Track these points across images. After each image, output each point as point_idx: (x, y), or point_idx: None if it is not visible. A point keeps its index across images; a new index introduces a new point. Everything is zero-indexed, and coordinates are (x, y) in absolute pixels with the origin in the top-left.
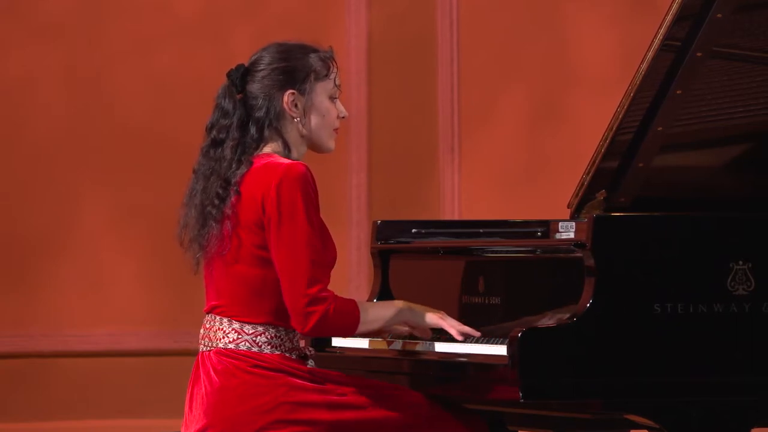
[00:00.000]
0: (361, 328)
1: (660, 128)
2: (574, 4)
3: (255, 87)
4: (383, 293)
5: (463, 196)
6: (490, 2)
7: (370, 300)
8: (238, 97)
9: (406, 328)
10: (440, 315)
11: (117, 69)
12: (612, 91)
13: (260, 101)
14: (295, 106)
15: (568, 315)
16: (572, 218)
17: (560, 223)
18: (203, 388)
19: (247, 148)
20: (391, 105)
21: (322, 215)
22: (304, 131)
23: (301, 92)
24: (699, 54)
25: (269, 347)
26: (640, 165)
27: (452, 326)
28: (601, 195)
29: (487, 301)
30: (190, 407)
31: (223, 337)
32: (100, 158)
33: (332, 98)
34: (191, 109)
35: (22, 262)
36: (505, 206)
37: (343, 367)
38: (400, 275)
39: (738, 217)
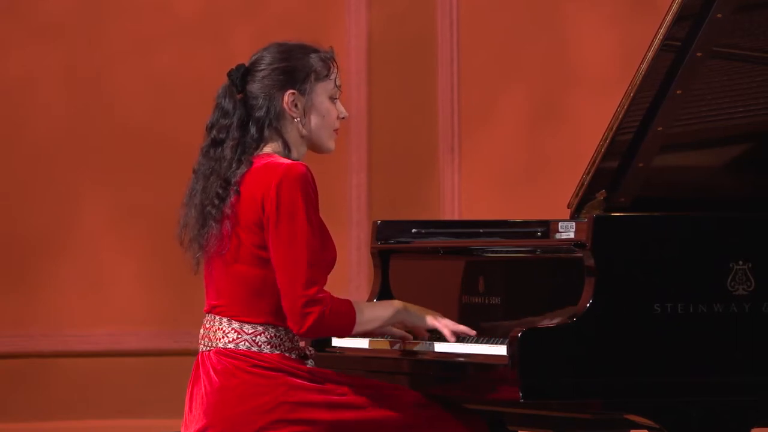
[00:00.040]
0: (357, 328)
1: (660, 128)
2: (574, 4)
3: (255, 87)
4: (383, 293)
5: (463, 196)
6: (490, 2)
7: (370, 300)
8: (239, 96)
9: (401, 331)
10: (435, 316)
11: (117, 69)
12: (612, 91)
13: (260, 101)
14: (296, 106)
15: (568, 315)
16: (572, 218)
17: (560, 223)
18: (203, 388)
19: (247, 148)
20: (391, 105)
21: (322, 215)
22: (304, 131)
23: (302, 92)
24: (699, 54)
25: (269, 347)
26: (640, 165)
27: (446, 326)
28: (601, 195)
29: (487, 301)
30: (190, 407)
31: (223, 337)
32: (100, 158)
33: (332, 99)
34: (191, 109)
35: (22, 262)
36: (505, 206)
37: (343, 367)
38: (400, 275)
39: (738, 217)
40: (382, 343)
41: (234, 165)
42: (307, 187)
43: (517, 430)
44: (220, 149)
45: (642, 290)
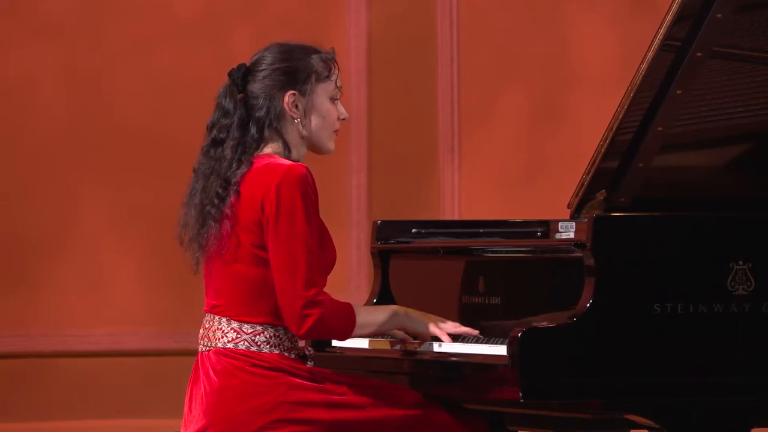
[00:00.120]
0: (357, 332)
1: (660, 128)
2: (574, 4)
3: (256, 87)
4: (383, 293)
5: (463, 196)
6: (490, 2)
7: (369, 300)
8: (239, 96)
9: (402, 333)
10: (436, 321)
11: (117, 69)
12: (612, 91)
13: (261, 101)
14: (296, 106)
15: (568, 315)
16: (572, 218)
17: (560, 223)
18: (203, 388)
19: (247, 148)
20: (391, 105)
21: (322, 215)
22: (305, 132)
23: (302, 93)
24: (699, 54)
25: (268, 347)
26: (640, 165)
27: (444, 332)
28: (601, 195)
29: (487, 301)
30: (190, 407)
31: (222, 337)
32: (100, 158)
33: (333, 100)
34: (191, 109)
35: (22, 262)
36: (505, 206)
37: (343, 367)
38: (400, 275)
39: (738, 217)
40: (382, 343)
41: (234, 165)
42: (306, 189)
43: (517, 430)
44: (220, 149)
45: (642, 290)
